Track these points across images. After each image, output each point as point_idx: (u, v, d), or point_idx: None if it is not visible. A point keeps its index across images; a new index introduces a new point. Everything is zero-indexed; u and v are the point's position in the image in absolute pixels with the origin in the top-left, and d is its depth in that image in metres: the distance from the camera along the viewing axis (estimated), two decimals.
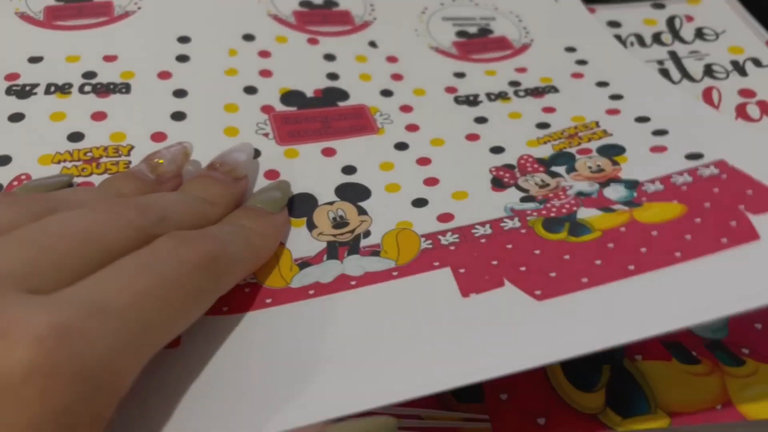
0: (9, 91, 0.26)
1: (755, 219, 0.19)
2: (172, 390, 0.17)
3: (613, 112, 0.27)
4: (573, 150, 0.25)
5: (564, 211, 0.22)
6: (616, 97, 0.28)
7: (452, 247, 0.21)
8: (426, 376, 0.17)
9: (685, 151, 0.23)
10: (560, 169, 0.24)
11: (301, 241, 0.22)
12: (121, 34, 0.30)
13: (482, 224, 0.22)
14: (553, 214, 0.21)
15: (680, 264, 0.18)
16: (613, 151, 0.25)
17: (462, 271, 0.20)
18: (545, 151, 0.26)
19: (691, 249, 0.18)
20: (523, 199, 0.23)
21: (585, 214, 0.21)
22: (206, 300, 0.18)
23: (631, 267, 0.18)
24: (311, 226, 0.23)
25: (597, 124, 0.27)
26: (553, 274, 0.19)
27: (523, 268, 0.19)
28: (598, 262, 0.19)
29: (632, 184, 0.22)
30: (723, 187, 0.21)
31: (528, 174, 0.24)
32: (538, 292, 0.18)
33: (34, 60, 0.28)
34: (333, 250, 0.22)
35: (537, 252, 0.20)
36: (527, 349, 0.17)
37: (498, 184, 0.24)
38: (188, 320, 0.17)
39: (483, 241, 0.21)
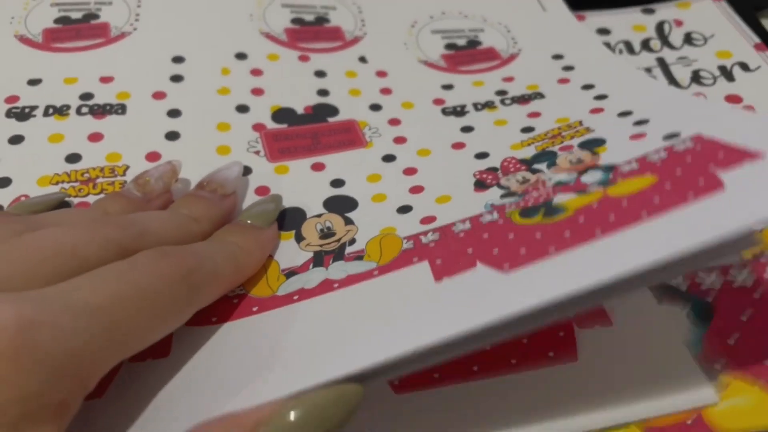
0: (9, 114, 0.27)
1: (723, 174, 0.18)
2: (162, 397, 0.18)
3: (597, 110, 0.28)
4: (555, 148, 0.25)
5: (541, 200, 0.22)
6: (600, 97, 0.29)
7: (432, 245, 0.21)
8: (400, 337, 0.17)
9: (664, 133, 0.23)
10: (541, 166, 0.24)
11: (288, 253, 0.23)
12: (117, 55, 0.31)
13: (462, 221, 0.22)
14: (531, 204, 0.21)
15: (646, 221, 0.18)
16: (593, 144, 0.25)
17: (438, 262, 0.20)
18: (528, 152, 0.26)
19: (657, 208, 0.18)
20: (503, 196, 0.23)
21: (561, 198, 0.21)
22: (182, 311, 0.18)
23: (598, 231, 0.18)
24: (299, 238, 0.23)
25: (580, 122, 0.27)
26: (523, 251, 0.19)
27: (495, 251, 0.20)
28: (566, 233, 0.19)
29: (609, 168, 0.22)
30: (696, 155, 0.20)
31: (510, 174, 0.24)
32: (506, 266, 0.18)
33: (33, 82, 0.29)
34: (319, 259, 0.22)
35: (511, 236, 0.20)
36: (491, 307, 0.17)
37: (481, 185, 0.24)
38: (162, 329, 0.17)
39: (461, 235, 0.21)
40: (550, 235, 0.19)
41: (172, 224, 0.21)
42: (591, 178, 0.22)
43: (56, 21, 0.32)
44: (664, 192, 0.19)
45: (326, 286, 0.21)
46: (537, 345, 0.21)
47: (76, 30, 0.32)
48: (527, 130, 0.28)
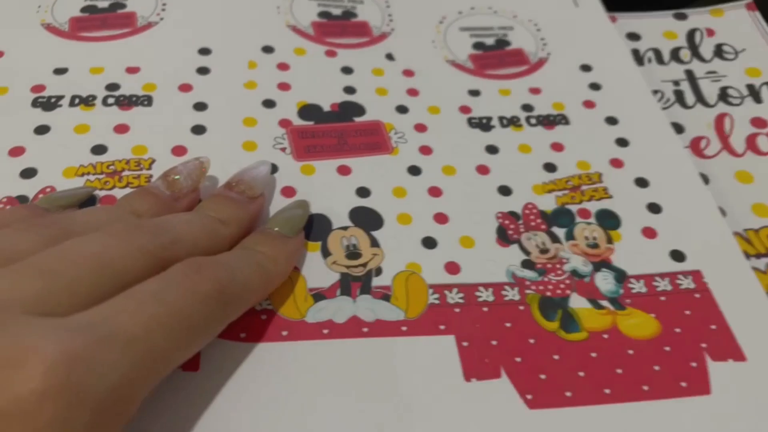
0: (35, 103, 0.27)
1: (712, 367, 0.22)
2: (191, 411, 0.19)
3: (617, 163, 0.28)
4: (574, 209, 0.26)
5: (558, 292, 0.24)
6: (622, 142, 0.29)
7: (457, 309, 0.23)
8: None
9: (671, 247, 0.25)
10: (560, 232, 0.26)
11: (315, 269, 0.23)
12: (143, 45, 0.30)
13: (485, 287, 0.23)
14: (549, 293, 0.24)
15: (645, 402, 0.21)
16: (609, 224, 0.26)
17: (465, 344, 0.22)
18: (548, 203, 0.27)
19: (656, 385, 0.21)
20: (524, 264, 0.24)
21: (576, 302, 0.23)
22: (215, 328, 0.19)
23: (607, 392, 0.21)
24: (326, 252, 0.24)
25: (600, 177, 0.27)
26: (543, 377, 0.21)
27: (518, 359, 0.22)
28: (581, 373, 0.21)
29: (620, 277, 0.24)
30: (694, 312, 0.23)
31: (531, 231, 0.25)
32: (529, 397, 0.21)
33: (60, 71, 0.28)
34: (346, 285, 0.23)
35: (532, 341, 0.22)
36: None
37: (503, 236, 0.25)
38: (196, 347, 0.18)
39: (485, 309, 0.23)
40: (567, 365, 0.22)
41: (202, 229, 0.21)
42: (604, 284, 0.24)
43: (83, 10, 0.31)
44: (664, 360, 0.22)
45: (355, 327, 0.22)
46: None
47: (103, 19, 0.31)
48: (550, 168, 0.28)
